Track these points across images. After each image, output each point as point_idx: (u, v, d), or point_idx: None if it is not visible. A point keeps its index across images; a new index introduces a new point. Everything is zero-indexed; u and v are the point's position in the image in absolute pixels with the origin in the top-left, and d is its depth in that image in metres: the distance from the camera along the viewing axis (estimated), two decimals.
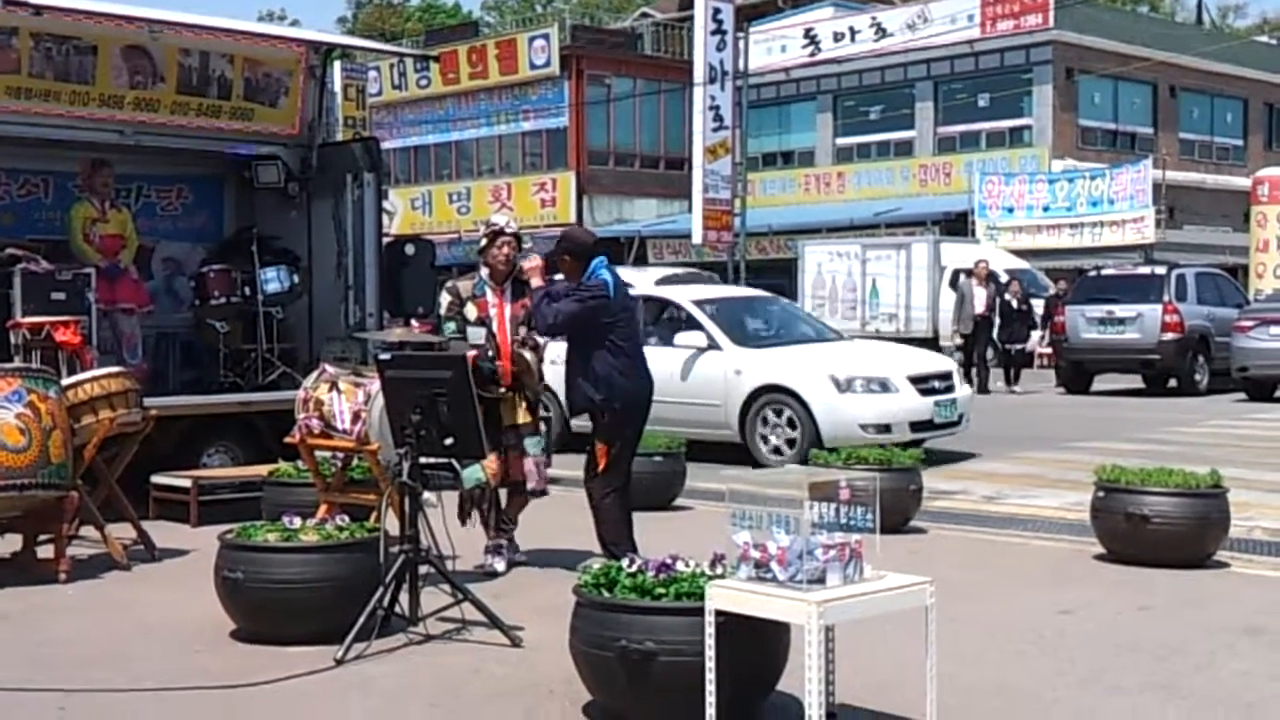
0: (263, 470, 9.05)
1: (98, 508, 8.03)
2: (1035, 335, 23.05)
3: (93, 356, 9.25)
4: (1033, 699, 5.34)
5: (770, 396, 12.46)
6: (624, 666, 4.72)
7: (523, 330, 7.78)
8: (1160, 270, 21.68)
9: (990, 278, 21.52)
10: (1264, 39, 49.05)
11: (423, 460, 6.38)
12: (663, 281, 16.73)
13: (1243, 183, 32.11)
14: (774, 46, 37.70)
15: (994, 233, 30.20)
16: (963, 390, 13.15)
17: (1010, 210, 30.82)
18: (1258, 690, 5.43)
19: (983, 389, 20.08)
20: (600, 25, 46.46)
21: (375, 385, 7.09)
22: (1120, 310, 20.74)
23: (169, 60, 10.99)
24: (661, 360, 12.63)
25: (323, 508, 7.45)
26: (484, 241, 7.84)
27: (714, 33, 31.65)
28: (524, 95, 39.98)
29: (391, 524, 6.50)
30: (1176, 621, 6.58)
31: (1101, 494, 8.00)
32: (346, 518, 6.65)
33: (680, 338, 12.98)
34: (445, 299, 7.87)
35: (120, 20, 10.63)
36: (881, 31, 35.89)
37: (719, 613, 4.55)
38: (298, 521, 6.40)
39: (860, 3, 39.45)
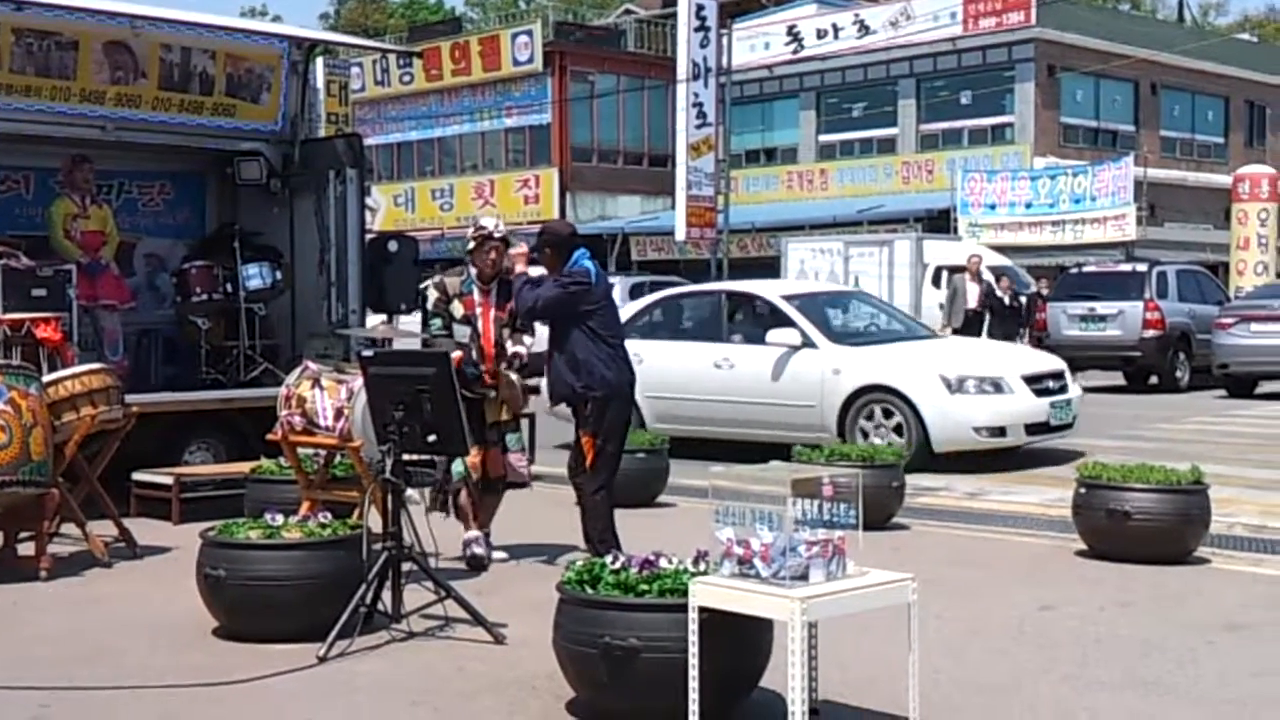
0: (245, 467, 9.03)
1: (79, 505, 8.00)
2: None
3: (74, 353, 9.21)
4: (1014, 695, 5.35)
5: (872, 397, 11.78)
6: (607, 663, 4.72)
7: (507, 332, 7.82)
8: (1141, 267, 21.77)
9: (977, 275, 21.55)
10: (1245, 37, 49.30)
11: (405, 457, 6.38)
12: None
13: (1224, 180, 32.22)
14: (757, 43, 37.69)
15: (976, 230, 30.23)
16: (1075, 390, 12.58)
17: (993, 207, 30.86)
18: (1238, 686, 5.45)
19: None
20: (583, 22, 46.36)
21: (358, 382, 7.09)
22: (1102, 307, 20.83)
23: (151, 56, 10.95)
24: (748, 360, 12.44)
25: (305, 505, 7.44)
26: (472, 245, 7.87)
27: (697, 29, 31.64)
28: (507, 92, 39.93)
29: (374, 521, 6.49)
30: (1157, 618, 6.60)
31: (1083, 490, 8.02)
32: (329, 515, 6.64)
33: (772, 335, 12.26)
34: (432, 295, 7.90)
35: (102, 15, 10.58)
36: (864, 29, 35.91)
37: (702, 609, 4.55)
38: (280, 519, 6.39)
39: (843, 0, 39.48)
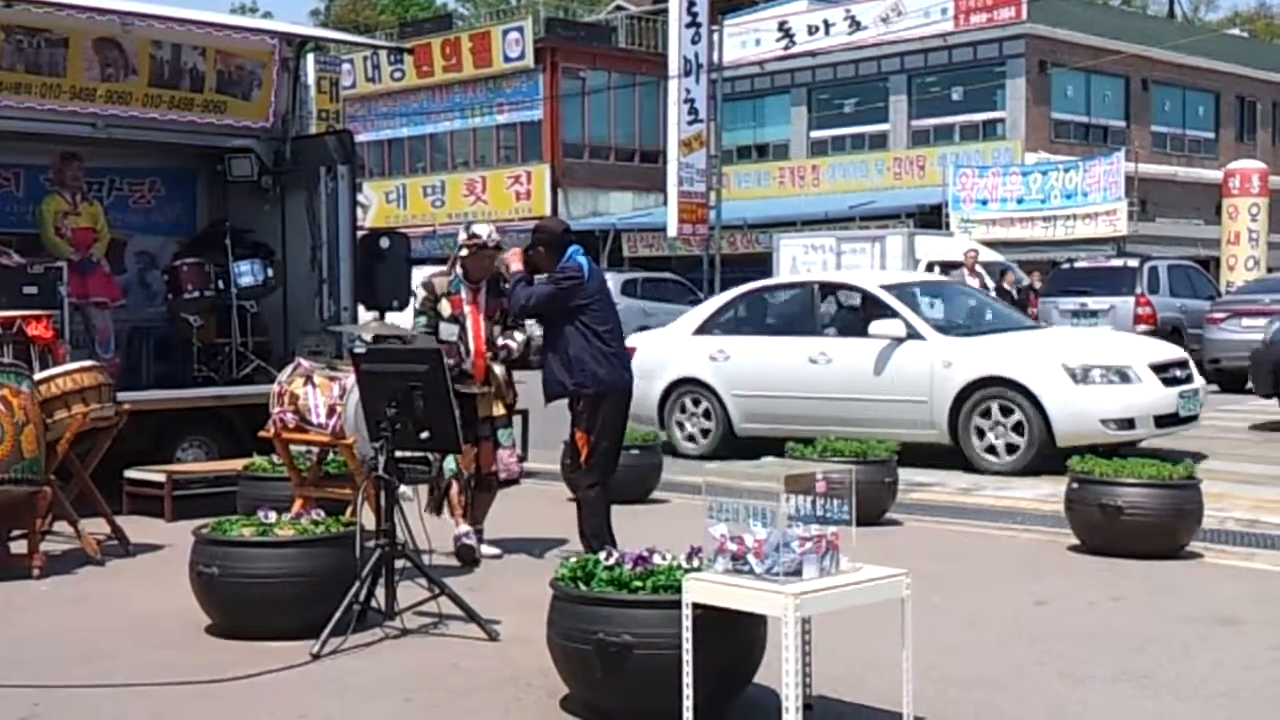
0: (237, 465, 9.01)
1: (71, 503, 7.99)
2: None
3: (65, 351, 9.18)
4: (1008, 689, 5.36)
5: (988, 390, 11.23)
6: (601, 659, 4.72)
7: (498, 330, 7.84)
8: (1133, 263, 21.80)
9: (974, 270, 21.56)
10: (1236, 32, 49.40)
11: (398, 454, 6.38)
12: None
13: (1214, 175, 32.26)
14: (748, 39, 37.67)
15: (968, 225, 30.25)
16: (1199, 380, 12.01)
17: (984, 203, 30.86)
18: (1231, 680, 5.46)
19: None
20: (574, 18, 46.28)
21: (350, 379, 7.08)
22: (1093, 302, 20.85)
23: (141, 53, 10.93)
24: (847, 354, 11.93)
25: (298, 502, 7.44)
26: (465, 252, 7.88)
27: (688, 25, 31.63)
28: (498, 88, 39.90)
29: (367, 518, 6.48)
30: (1150, 612, 6.61)
31: (1076, 486, 8.04)
32: (322, 512, 6.63)
33: (875, 327, 11.71)
34: (421, 294, 7.96)
35: (92, 12, 10.56)
36: (855, 25, 35.92)
37: (696, 605, 4.55)
38: (273, 516, 6.38)
39: None
